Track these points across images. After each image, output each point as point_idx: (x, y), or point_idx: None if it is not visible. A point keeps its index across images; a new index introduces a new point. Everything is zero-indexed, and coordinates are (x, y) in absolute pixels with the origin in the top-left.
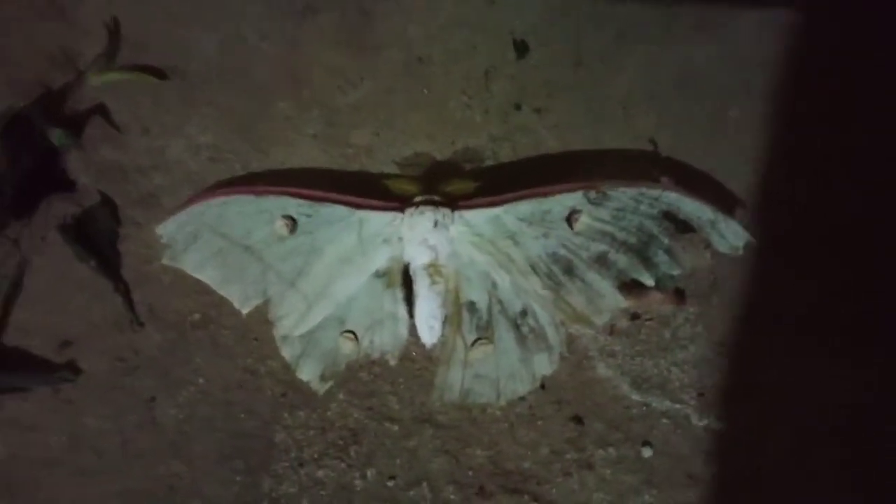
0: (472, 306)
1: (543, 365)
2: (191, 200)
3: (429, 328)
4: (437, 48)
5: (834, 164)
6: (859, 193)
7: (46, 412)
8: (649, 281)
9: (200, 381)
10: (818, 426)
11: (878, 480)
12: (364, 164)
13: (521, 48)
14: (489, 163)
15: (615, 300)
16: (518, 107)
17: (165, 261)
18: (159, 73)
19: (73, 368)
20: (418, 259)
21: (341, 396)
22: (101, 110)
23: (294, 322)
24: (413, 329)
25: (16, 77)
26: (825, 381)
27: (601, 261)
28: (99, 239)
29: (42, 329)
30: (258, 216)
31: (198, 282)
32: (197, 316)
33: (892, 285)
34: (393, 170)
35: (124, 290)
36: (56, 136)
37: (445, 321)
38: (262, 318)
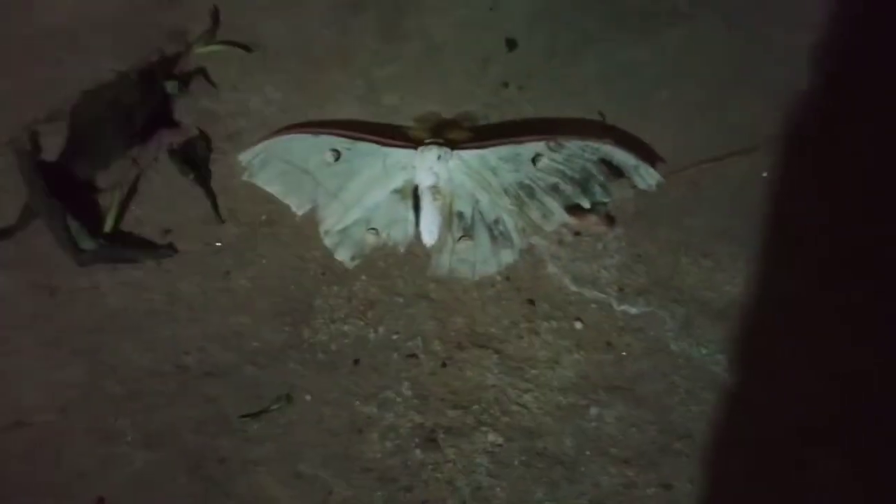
0: (460, 215)
1: (507, 256)
2: (265, 137)
3: (429, 232)
4: (450, 40)
5: (744, 125)
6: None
7: (152, 278)
8: (586, 204)
9: (264, 262)
10: (699, 314)
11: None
12: (391, 118)
13: (512, 43)
14: (482, 122)
15: (561, 216)
16: (506, 84)
17: (245, 178)
18: (246, 48)
19: (172, 248)
20: (425, 181)
21: (363, 277)
22: (202, 71)
23: (334, 221)
24: (418, 231)
25: (145, 48)
26: (707, 284)
27: (554, 188)
28: (196, 160)
29: (151, 221)
30: (313, 148)
31: (266, 193)
32: (264, 217)
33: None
34: (411, 123)
35: (212, 196)
36: (170, 86)
37: (441, 226)
38: (311, 221)
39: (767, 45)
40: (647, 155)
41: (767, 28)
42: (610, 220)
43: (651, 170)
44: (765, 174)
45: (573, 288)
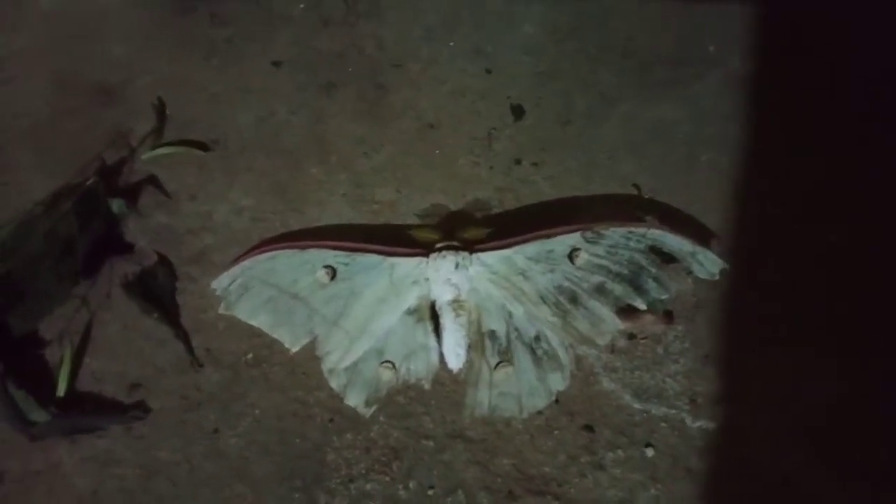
0: (492, 334)
1: (557, 382)
2: (240, 257)
3: (455, 355)
4: (445, 115)
5: (797, 193)
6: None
7: (121, 448)
8: (642, 305)
9: (257, 412)
10: (796, 424)
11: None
12: (389, 217)
13: (518, 111)
14: (496, 210)
15: (614, 323)
16: (518, 161)
17: (221, 310)
18: (202, 146)
19: (142, 408)
20: (443, 296)
21: (382, 419)
22: (153, 181)
23: (339, 356)
24: (442, 357)
25: (81, 157)
26: (799, 382)
27: (600, 290)
28: (159, 293)
29: (112, 375)
30: (301, 267)
31: (249, 326)
32: (250, 356)
33: (869, 295)
34: (414, 221)
35: (184, 336)
36: (116, 205)
37: (470, 348)
38: (308, 355)
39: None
40: (700, 233)
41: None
42: (669, 316)
43: (711, 254)
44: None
45: (637, 405)
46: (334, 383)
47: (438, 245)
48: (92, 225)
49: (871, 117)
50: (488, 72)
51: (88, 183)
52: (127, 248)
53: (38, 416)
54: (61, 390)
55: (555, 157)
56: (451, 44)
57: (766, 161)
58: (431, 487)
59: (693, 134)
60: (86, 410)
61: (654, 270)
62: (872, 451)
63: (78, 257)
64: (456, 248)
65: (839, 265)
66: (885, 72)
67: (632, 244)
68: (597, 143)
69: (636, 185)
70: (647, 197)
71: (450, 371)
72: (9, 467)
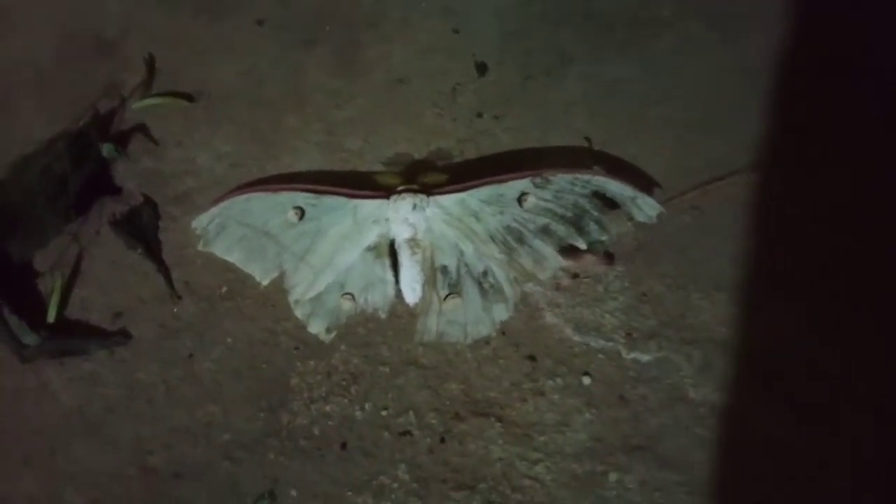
0: (444, 269)
1: (501, 312)
2: (219, 199)
3: (412, 290)
4: (414, 70)
5: (733, 148)
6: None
7: (105, 370)
8: (583, 245)
9: (229, 340)
10: (719, 349)
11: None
12: (356, 165)
13: (482, 68)
14: (457, 160)
15: (556, 261)
16: (480, 115)
17: (200, 247)
18: (188, 97)
19: (125, 334)
20: (401, 235)
21: (343, 347)
22: (142, 128)
23: (304, 289)
24: (399, 291)
25: (78, 104)
26: (741, 323)
27: (545, 230)
28: (143, 231)
29: (98, 304)
30: (274, 208)
31: (224, 262)
32: (225, 289)
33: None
34: (380, 168)
35: (165, 270)
36: (106, 149)
37: (424, 283)
38: (276, 288)
39: (757, 50)
40: (643, 182)
41: (756, 33)
42: (609, 257)
43: (650, 200)
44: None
45: (576, 338)
46: (299, 313)
47: (399, 188)
48: (84, 166)
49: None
50: (456, 31)
51: (81, 126)
52: (116, 190)
53: (30, 339)
54: (52, 317)
55: (515, 111)
56: (423, 4)
57: (714, 114)
58: (385, 409)
59: (644, 92)
60: (73, 335)
61: (595, 214)
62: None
63: (71, 194)
64: (415, 192)
65: (778, 215)
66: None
67: (577, 189)
68: (554, 99)
69: (587, 138)
70: (597, 149)
71: (406, 304)
72: (2, 384)
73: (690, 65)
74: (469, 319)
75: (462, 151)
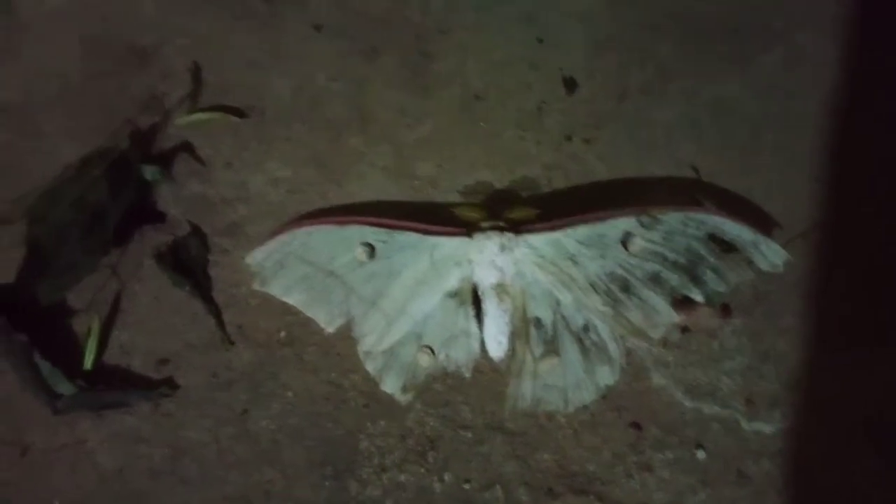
0: (538, 322)
1: (606, 376)
2: (276, 231)
3: (497, 343)
4: (492, 86)
5: (860, 181)
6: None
7: (148, 426)
8: (699, 297)
9: (289, 394)
10: (857, 427)
11: None
12: (430, 193)
13: (570, 84)
14: (544, 190)
15: (669, 315)
16: (569, 138)
17: (256, 286)
18: (238, 113)
19: (171, 384)
20: (487, 279)
21: (418, 406)
22: (188, 148)
23: (376, 339)
24: (483, 344)
25: (112, 121)
26: (861, 382)
27: (655, 279)
28: (191, 265)
29: (141, 349)
30: (339, 244)
31: (282, 303)
32: (283, 334)
33: None
34: (456, 198)
35: (216, 311)
36: (149, 172)
37: (513, 336)
38: (342, 336)
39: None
40: (760, 220)
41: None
42: (726, 310)
43: (774, 245)
44: None
45: (688, 403)
46: (370, 367)
47: (483, 225)
48: (124, 193)
49: None
50: (539, 41)
51: (121, 149)
52: (159, 218)
53: (64, 388)
54: (88, 363)
55: (608, 134)
56: (502, 10)
57: (838, 145)
58: (468, 481)
59: (754, 114)
60: (113, 385)
61: (712, 260)
62: None
63: (109, 226)
64: (501, 229)
65: None
66: None
67: (690, 231)
68: (653, 121)
69: (694, 168)
70: (705, 180)
71: (491, 359)
72: (32, 440)
73: (804, 80)
74: (569, 384)
75: (549, 180)
